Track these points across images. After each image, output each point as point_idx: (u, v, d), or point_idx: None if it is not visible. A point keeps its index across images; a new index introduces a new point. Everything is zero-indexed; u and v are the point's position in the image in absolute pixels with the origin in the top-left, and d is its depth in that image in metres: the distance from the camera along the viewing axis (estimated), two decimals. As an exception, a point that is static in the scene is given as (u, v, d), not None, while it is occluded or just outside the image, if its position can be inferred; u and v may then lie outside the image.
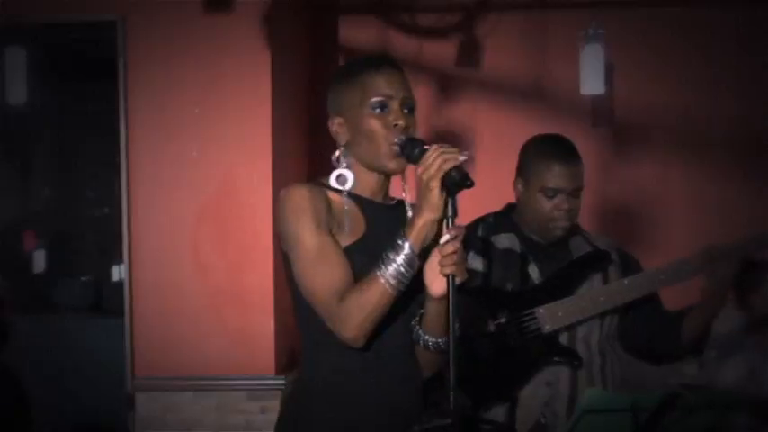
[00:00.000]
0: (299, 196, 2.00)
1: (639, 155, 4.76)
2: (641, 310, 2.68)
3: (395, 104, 2.03)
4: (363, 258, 1.98)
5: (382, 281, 1.90)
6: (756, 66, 4.67)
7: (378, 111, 2.02)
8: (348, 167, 2.06)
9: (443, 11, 4.84)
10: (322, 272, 1.96)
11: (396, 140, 2.00)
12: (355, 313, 1.92)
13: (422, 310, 2.06)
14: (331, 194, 2.05)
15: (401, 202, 2.15)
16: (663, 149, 4.76)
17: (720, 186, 4.70)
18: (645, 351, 2.80)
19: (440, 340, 2.04)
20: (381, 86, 2.04)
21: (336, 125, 2.08)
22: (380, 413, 2.03)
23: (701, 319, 2.62)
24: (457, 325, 1.88)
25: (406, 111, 2.04)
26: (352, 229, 2.03)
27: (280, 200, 2.03)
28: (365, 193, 2.09)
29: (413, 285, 1.95)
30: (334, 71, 2.17)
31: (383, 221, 2.06)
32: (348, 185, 2.05)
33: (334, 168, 2.07)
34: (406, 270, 1.90)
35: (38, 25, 4.54)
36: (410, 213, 2.10)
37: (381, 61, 2.09)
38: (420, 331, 2.06)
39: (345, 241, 2.01)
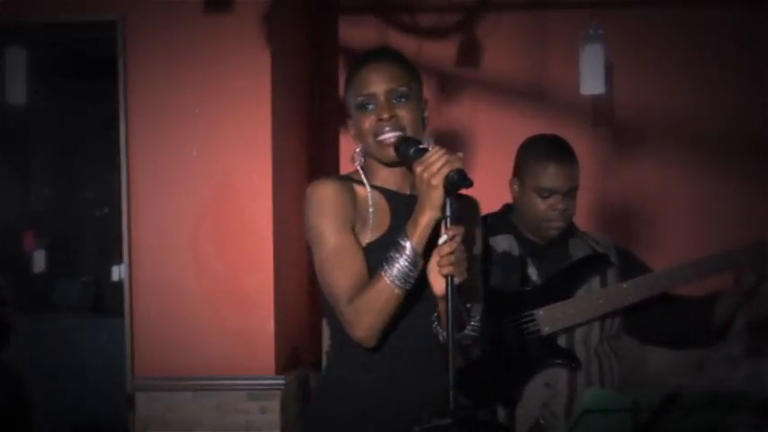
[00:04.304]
0: (324, 191, 2.03)
1: (639, 155, 4.76)
2: (656, 302, 2.66)
3: (380, 98, 2.04)
4: (384, 255, 1.98)
5: (388, 281, 1.91)
6: (756, 66, 4.66)
7: (363, 109, 2.06)
8: (364, 165, 2.11)
9: (443, 11, 4.83)
10: (338, 271, 1.98)
11: (384, 135, 2.02)
12: (364, 314, 1.93)
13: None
14: (358, 188, 2.08)
15: None
16: (663, 149, 4.76)
17: (720, 186, 4.69)
18: (667, 339, 2.78)
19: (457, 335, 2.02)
20: (364, 84, 2.06)
21: (350, 125, 2.12)
22: (404, 410, 2.02)
23: (734, 305, 2.61)
24: (477, 324, 1.92)
25: (395, 101, 2.04)
26: (378, 223, 2.05)
27: (306, 194, 2.06)
28: (390, 185, 2.10)
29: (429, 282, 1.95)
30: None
31: (409, 214, 2.04)
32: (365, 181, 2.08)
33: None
34: (410, 269, 1.91)
35: (38, 25, 4.53)
36: None
37: (370, 56, 2.11)
38: (438, 328, 2.05)
39: (370, 236, 2.02)
